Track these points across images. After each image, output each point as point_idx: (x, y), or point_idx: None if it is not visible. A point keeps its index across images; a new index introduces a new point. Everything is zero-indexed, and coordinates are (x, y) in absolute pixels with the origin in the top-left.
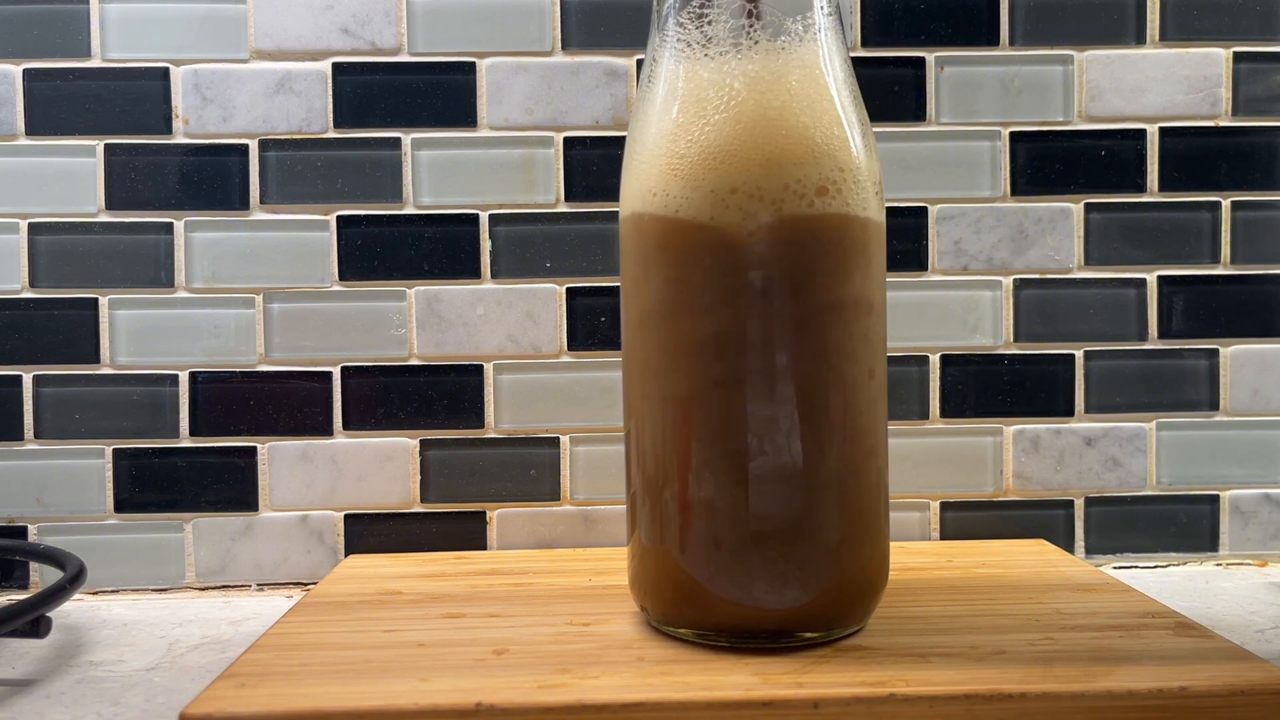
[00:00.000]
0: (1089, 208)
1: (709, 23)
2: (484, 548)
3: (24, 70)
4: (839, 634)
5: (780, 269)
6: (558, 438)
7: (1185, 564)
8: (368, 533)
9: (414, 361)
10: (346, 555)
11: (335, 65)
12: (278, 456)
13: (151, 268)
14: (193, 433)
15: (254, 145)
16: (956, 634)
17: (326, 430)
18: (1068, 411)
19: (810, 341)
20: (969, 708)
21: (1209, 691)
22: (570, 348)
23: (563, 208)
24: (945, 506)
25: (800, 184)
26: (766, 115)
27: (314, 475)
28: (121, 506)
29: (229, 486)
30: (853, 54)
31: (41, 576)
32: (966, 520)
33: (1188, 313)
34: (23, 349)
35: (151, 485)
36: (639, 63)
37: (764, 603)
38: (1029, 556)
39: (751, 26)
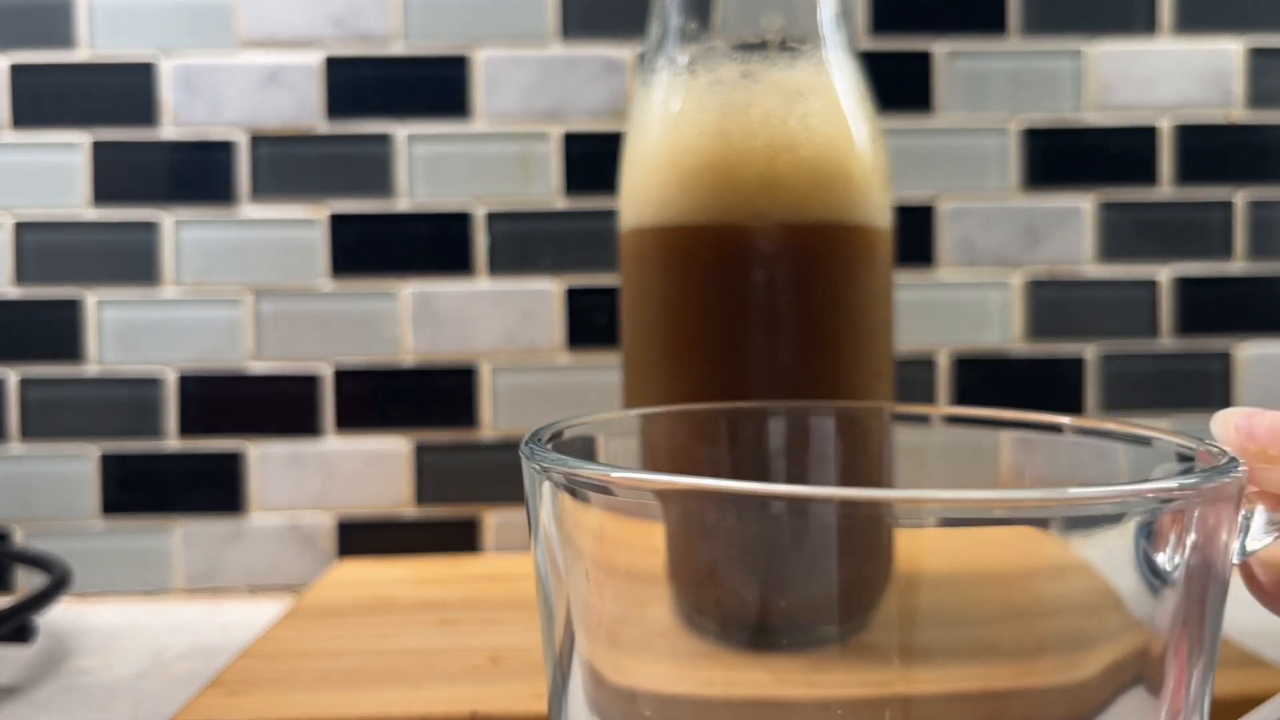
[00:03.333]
0: (1101, 203)
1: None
2: (479, 552)
3: (10, 64)
4: (849, 629)
5: (784, 269)
6: None
7: None
8: (360, 537)
9: (408, 361)
10: (338, 560)
11: (327, 58)
12: (268, 459)
13: (138, 265)
14: (181, 434)
15: (243, 139)
16: (967, 628)
17: (318, 432)
18: (1078, 411)
19: (816, 341)
20: (982, 705)
21: (1220, 698)
22: (569, 347)
23: (561, 203)
24: None
25: (806, 189)
26: (770, 124)
27: (305, 478)
28: (108, 510)
29: (218, 489)
30: (858, 46)
31: (27, 581)
32: None
33: (1201, 311)
34: (7, 348)
35: (139, 488)
36: (639, 55)
37: (775, 600)
38: None
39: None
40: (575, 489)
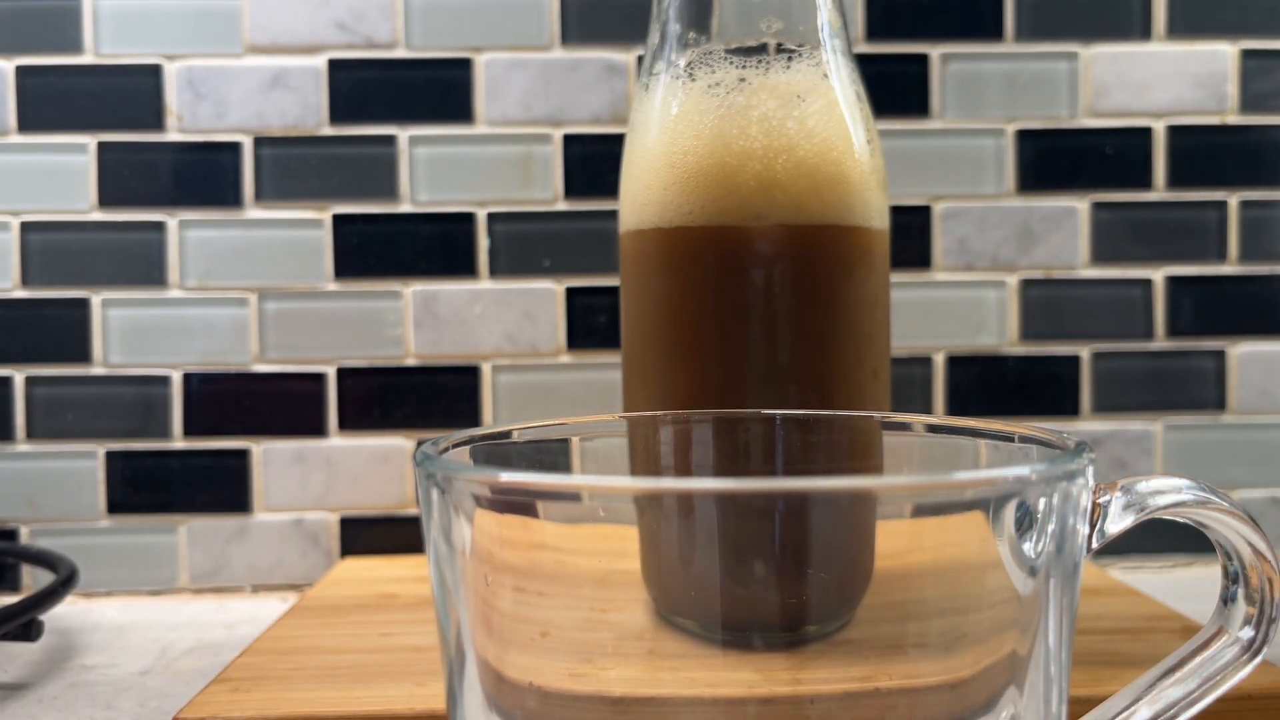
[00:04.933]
0: (1095, 205)
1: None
2: None
3: (16, 67)
4: (833, 627)
5: (782, 270)
6: None
7: (1192, 565)
8: (363, 535)
9: (410, 361)
10: (342, 558)
11: (331, 61)
12: (272, 458)
13: (144, 266)
14: (186, 434)
15: (248, 142)
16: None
17: (321, 431)
18: (1073, 412)
19: (813, 342)
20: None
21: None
22: (570, 347)
23: (561, 205)
24: None
25: (803, 191)
26: (768, 127)
27: (309, 477)
28: (114, 508)
29: (223, 488)
30: (855, 50)
31: (33, 579)
32: None
33: (1195, 312)
34: (14, 349)
35: (144, 487)
36: (639, 58)
37: (765, 598)
38: None
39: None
40: (502, 499)
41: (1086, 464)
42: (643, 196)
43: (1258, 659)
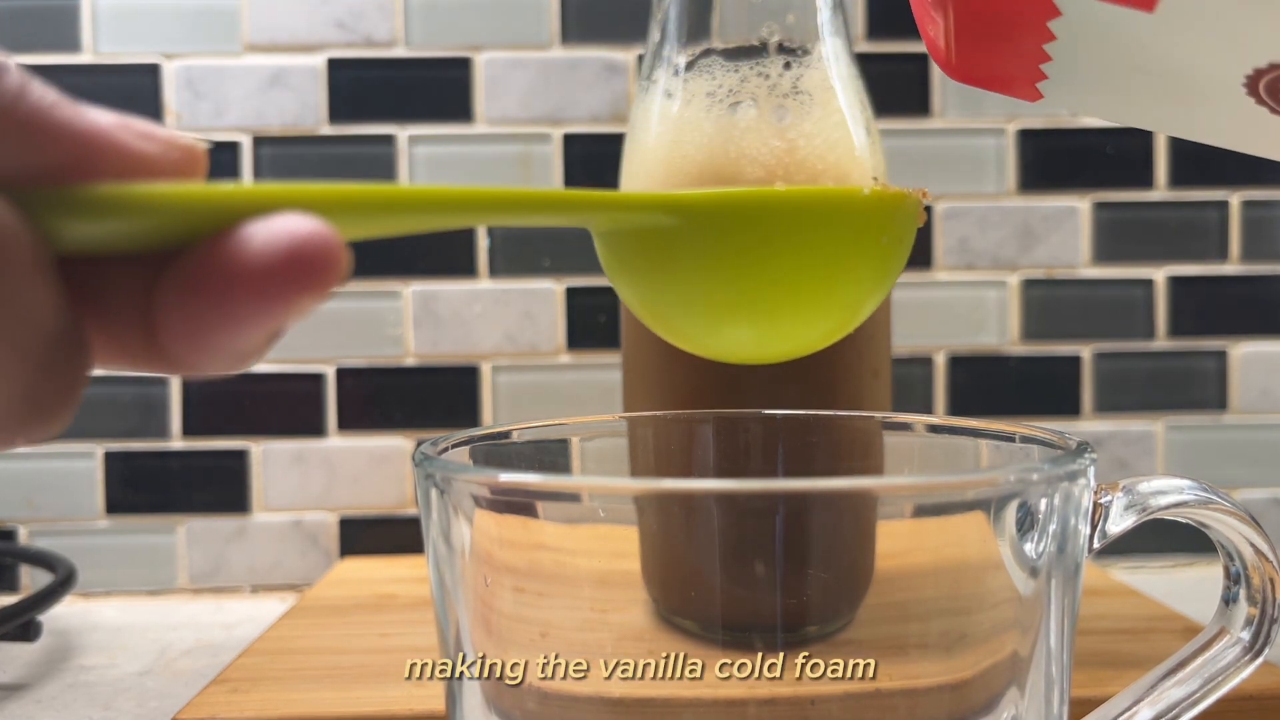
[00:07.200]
0: (1096, 205)
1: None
2: None
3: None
4: (833, 627)
5: None
6: None
7: (1193, 566)
8: (362, 535)
9: (410, 361)
10: (341, 558)
11: (330, 60)
12: (271, 458)
13: None
14: (185, 434)
15: (247, 141)
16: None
17: (321, 431)
18: (1074, 412)
19: None
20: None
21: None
22: (569, 347)
23: None
24: None
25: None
26: (769, 126)
27: (308, 477)
28: (113, 508)
29: (222, 488)
30: (856, 49)
31: (32, 579)
32: None
33: (1196, 311)
34: None
35: (143, 487)
36: (639, 58)
37: (765, 599)
38: None
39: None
40: (499, 499)
41: (1088, 464)
42: None
43: (1259, 660)
